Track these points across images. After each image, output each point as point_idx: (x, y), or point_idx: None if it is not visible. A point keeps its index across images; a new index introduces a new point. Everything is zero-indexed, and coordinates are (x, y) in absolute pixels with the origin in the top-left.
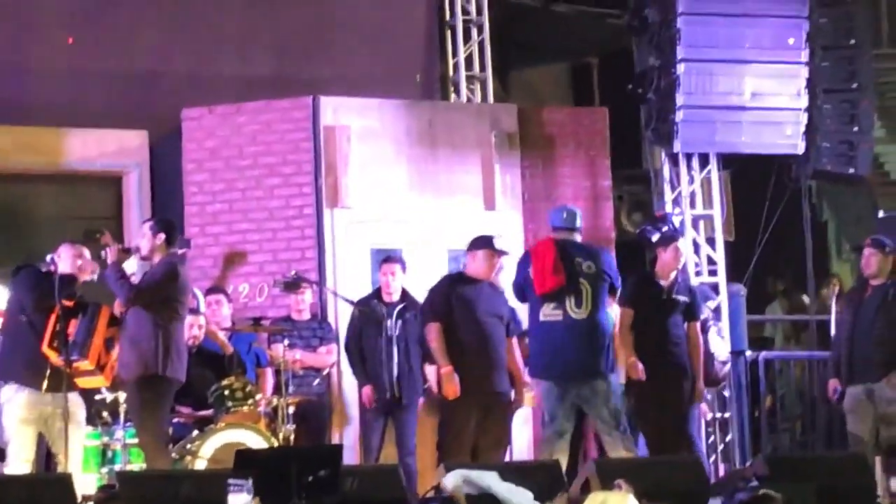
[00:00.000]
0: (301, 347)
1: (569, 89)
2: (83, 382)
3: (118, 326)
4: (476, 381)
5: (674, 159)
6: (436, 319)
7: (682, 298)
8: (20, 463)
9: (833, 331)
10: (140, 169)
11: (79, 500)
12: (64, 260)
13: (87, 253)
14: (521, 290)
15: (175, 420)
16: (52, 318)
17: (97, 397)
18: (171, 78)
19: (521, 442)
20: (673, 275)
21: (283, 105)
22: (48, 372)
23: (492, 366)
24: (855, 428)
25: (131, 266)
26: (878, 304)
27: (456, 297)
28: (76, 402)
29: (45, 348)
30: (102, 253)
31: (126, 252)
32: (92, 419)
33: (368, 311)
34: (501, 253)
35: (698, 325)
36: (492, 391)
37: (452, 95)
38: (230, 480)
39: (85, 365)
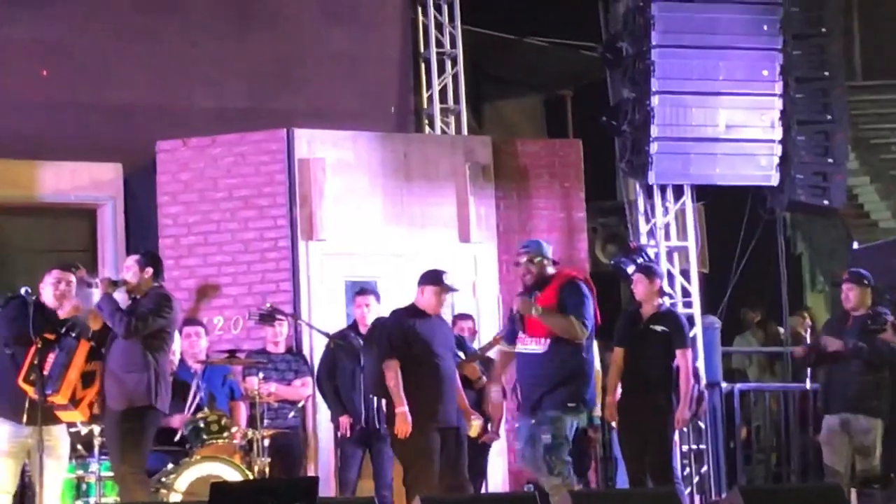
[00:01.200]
0: (276, 380)
1: (543, 121)
2: (62, 416)
3: (101, 360)
4: (436, 416)
5: (648, 191)
6: (394, 356)
7: (660, 328)
8: (1, 494)
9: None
10: (114, 201)
11: None
12: (45, 287)
13: (71, 278)
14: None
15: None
16: (31, 351)
17: (72, 430)
18: (145, 110)
19: (497, 474)
20: (654, 304)
21: (257, 137)
22: (27, 405)
23: (450, 400)
24: (830, 460)
25: (118, 299)
26: (858, 335)
27: (412, 332)
28: (58, 437)
29: (20, 382)
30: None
31: (114, 284)
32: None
33: (345, 343)
34: (450, 289)
35: (686, 352)
36: (453, 425)
37: (427, 128)
38: None
39: (59, 399)
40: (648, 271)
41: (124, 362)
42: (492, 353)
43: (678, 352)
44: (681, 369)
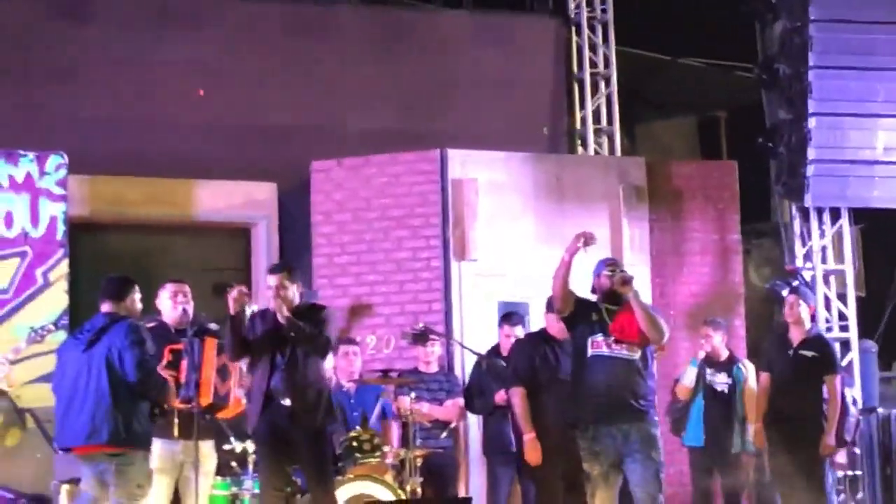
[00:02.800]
0: (428, 400)
1: (696, 143)
2: (221, 415)
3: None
4: (561, 446)
5: (804, 213)
6: (520, 384)
7: (810, 354)
8: None
9: None
10: (268, 220)
11: None
12: (163, 302)
13: (185, 289)
14: None
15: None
16: (162, 365)
17: (226, 447)
18: (300, 131)
19: None
20: (804, 329)
21: (410, 158)
22: (177, 420)
23: None
24: None
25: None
26: None
27: (540, 358)
28: (206, 453)
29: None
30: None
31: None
32: (221, 469)
33: (493, 364)
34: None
35: (836, 378)
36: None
37: (580, 148)
38: None
39: (203, 401)
40: (803, 294)
41: (319, 377)
42: None
43: (827, 378)
44: (830, 396)
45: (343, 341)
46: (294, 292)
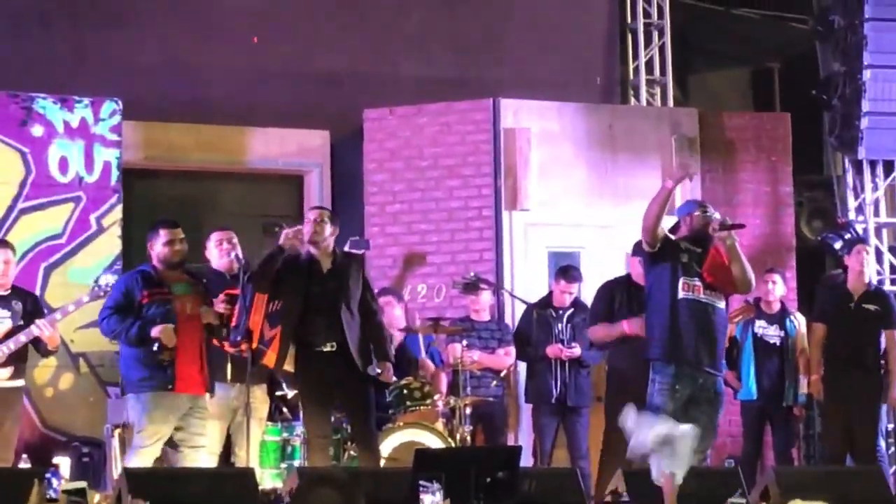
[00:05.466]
0: (480, 348)
1: (749, 94)
2: (264, 361)
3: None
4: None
5: (857, 166)
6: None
7: (873, 307)
8: (207, 456)
9: None
10: (321, 168)
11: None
12: (211, 251)
13: (231, 236)
14: None
15: None
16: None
17: (278, 393)
18: (353, 78)
19: None
20: (863, 282)
21: (463, 107)
22: (229, 364)
23: None
24: None
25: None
26: None
27: (619, 303)
28: (259, 398)
29: (215, 341)
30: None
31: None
32: (272, 415)
33: (542, 314)
34: None
35: (894, 333)
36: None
37: (632, 99)
38: (420, 481)
39: (253, 345)
40: (864, 244)
41: (364, 321)
42: None
43: (887, 331)
44: (890, 349)
45: (380, 292)
46: (329, 232)
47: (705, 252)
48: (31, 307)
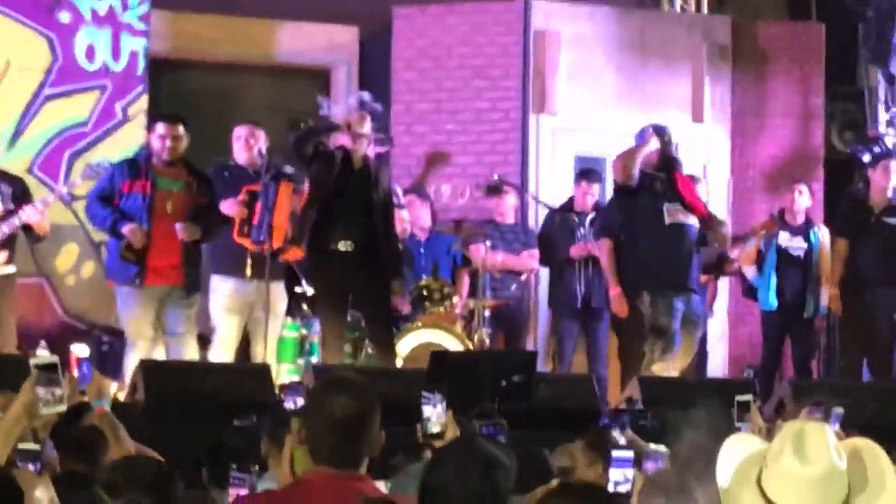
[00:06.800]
0: (503, 250)
1: (784, 3)
2: (287, 256)
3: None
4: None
5: (890, 79)
6: (606, 236)
7: (894, 221)
8: (223, 351)
9: None
10: (349, 64)
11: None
12: (234, 146)
13: (258, 131)
14: None
15: None
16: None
17: (297, 290)
18: None
19: (716, 359)
20: (886, 196)
21: (494, 8)
22: (249, 260)
23: None
24: None
25: None
26: None
27: (632, 211)
28: (278, 294)
29: (236, 238)
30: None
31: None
32: (291, 311)
33: (564, 218)
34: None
35: None
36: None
37: (665, 5)
38: (423, 392)
39: (276, 244)
40: (891, 160)
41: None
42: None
43: None
44: None
45: (409, 190)
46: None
47: (671, 176)
48: (20, 191)
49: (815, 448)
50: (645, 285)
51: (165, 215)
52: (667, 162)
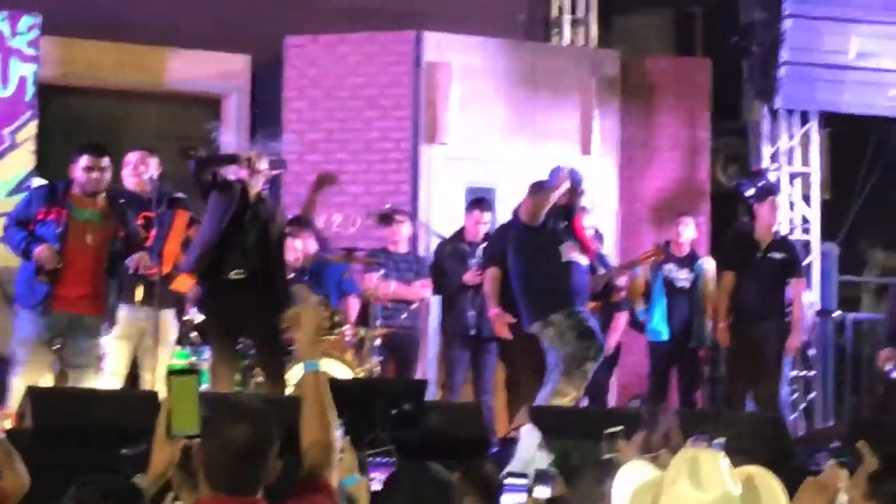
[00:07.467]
0: (396, 279)
1: (671, 38)
2: (175, 285)
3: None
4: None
5: (774, 114)
6: (495, 265)
7: (779, 256)
8: (112, 378)
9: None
10: (240, 93)
11: None
12: (125, 175)
13: (149, 159)
14: None
15: None
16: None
17: (186, 318)
18: (277, 3)
19: None
20: (771, 231)
21: (386, 38)
22: (141, 286)
23: None
24: None
25: None
26: None
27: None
28: (168, 321)
29: (152, 269)
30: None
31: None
32: (181, 339)
33: (455, 249)
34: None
35: (802, 281)
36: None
37: (555, 38)
38: None
39: (165, 270)
40: (776, 196)
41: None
42: None
43: (794, 280)
44: (795, 297)
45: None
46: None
47: (570, 219)
48: None
49: (709, 475)
50: (543, 314)
51: (81, 245)
52: (571, 206)
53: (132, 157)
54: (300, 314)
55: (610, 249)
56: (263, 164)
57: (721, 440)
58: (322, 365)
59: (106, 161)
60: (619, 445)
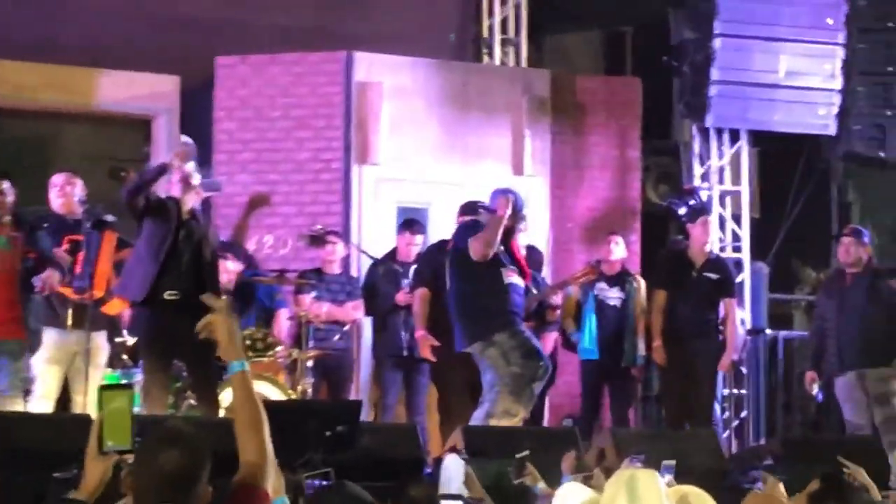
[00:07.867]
0: (329, 301)
1: (601, 57)
2: (107, 309)
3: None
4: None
5: (704, 133)
6: (424, 286)
7: (713, 276)
8: (44, 401)
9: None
10: (170, 114)
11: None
12: (51, 197)
13: (74, 180)
14: None
15: None
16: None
17: (118, 340)
18: (206, 24)
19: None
20: (705, 251)
21: (316, 58)
22: (70, 310)
23: None
24: (852, 416)
25: None
26: (865, 291)
27: (440, 265)
28: (98, 344)
29: (58, 288)
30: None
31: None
32: (112, 361)
33: (388, 270)
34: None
35: (734, 300)
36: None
37: (486, 58)
38: None
39: (95, 293)
40: (708, 215)
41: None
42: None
43: (727, 299)
44: (728, 316)
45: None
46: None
47: (508, 242)
48: None
49: (646, 493)
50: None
51: None
52: (510, 229)
53: (58, 180)
54: (212, 320)
55: (542, 268)
56: (196, 180)
57: (671, 462)
58: (256, 386)
59: (6, 185)
60: (528, 470)
